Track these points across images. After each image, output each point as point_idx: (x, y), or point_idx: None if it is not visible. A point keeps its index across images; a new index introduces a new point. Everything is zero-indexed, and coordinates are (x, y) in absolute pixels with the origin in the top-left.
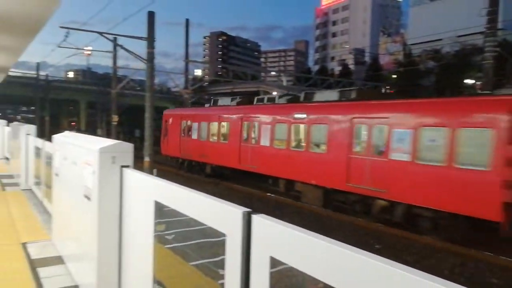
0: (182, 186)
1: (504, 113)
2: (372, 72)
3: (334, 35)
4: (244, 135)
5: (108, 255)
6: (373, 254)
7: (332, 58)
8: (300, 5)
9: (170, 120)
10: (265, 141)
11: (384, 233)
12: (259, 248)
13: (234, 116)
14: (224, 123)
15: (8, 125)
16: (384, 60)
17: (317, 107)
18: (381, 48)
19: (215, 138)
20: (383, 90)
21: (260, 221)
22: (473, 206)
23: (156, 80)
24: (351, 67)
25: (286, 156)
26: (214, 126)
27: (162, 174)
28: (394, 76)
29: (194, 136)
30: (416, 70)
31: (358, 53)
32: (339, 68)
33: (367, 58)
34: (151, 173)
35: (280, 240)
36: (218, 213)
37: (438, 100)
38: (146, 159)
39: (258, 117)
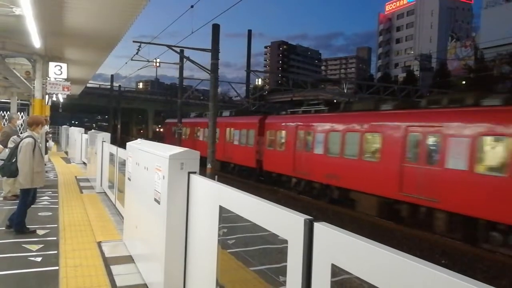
0: (246, 193)
1: None
2: (440, 79)
3: (398, 41)
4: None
5: (175, 257)
6: (441, 268)
7: (396, 65)
8: (362, 12)
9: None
10: None
11: (449, 246)
12: (320, 255)
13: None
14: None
15: (85, 133)
16: (452, 65)
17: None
18: (450, 53)
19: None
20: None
21: (322, 229)
22: None
23: (219, 90)
24: (417, 73)
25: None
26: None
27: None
28: (464, 82)
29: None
30: (489, 75)
31: (425, 58)
32: (403, 74)
33: (434, 64)
34: (213, 179)
35: (342, 248)
36: (280, 220)
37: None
38: (209, 166)
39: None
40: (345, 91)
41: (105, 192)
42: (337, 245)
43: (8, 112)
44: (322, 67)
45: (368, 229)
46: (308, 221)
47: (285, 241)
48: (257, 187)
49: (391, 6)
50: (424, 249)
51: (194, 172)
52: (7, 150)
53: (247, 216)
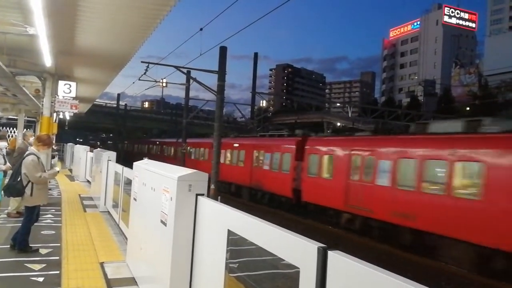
0: (256, 217)
1: None
2: (444, 104)
3: (402, 66)
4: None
5: (180, 281)
6: None
7: (400, 90)
8: (366, 37)
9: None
10: None
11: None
12: (334, 285)
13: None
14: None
15: (91, 151)
16: (457, 92)
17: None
18: (454, 80)
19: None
20: None
21: (337, 258)
22: None
23: (224, 110)
24: (420, 98)
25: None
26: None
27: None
28: (468, 108)
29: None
30: (494, 102)
31: (429, 84)
32: (407, 99)
33: (438, 90)
34: (216, 200)
35: (358, 278)
36: (292, 246)
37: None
38: (212, 187)
39: None
40: (349, 114)
41: (108, 212)
42: (353, 275)
43: (15, 129)
44: (326, 91)
45: (385, 259)
46: (321, 249)
47: (291, 266)
48: (290, 219)
49: (395, 32)
50: (442, 280)
51: (202, 194)
52: None
53: (257, 242)
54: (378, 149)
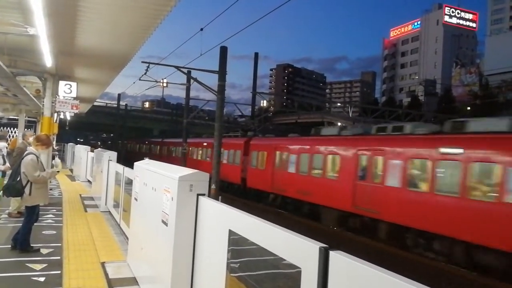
0: (257, 218)
1: None
2: (445, 104)
3: (402, 66)
4: None
5: (181, 280)
6: None
7: (401, 90)
8: (366, 37)
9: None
10: None
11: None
12: (336, 285)
13: None
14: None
15: (91, 151)
16: (457, 91)
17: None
18: (454, 79)
19: None
20: None
21: (338, 258)
22: None
23: (224, 110)
24: (421, 98)
25: None
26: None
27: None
28: (469, 108)
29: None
30: (495, 102)
31: (429, 84)
32: (408, 99)
33: (438, 90)
34: (216, 200)
35: (359, 278)
36: (293, 247)
37: None
38: (213, 186)
39: None
40: (350, 114)
41: (109, 211)
42: (354, 276)
43: (15, 129)
44: (327, 90)
45: (387, 259)
46: (323, 249)
47: (292, 266)
48: (289, 218)
49: (395, 32)
50: (443, 280)
51: (203, 194)
52: None
53: (258, 242)
54: (290, 147)
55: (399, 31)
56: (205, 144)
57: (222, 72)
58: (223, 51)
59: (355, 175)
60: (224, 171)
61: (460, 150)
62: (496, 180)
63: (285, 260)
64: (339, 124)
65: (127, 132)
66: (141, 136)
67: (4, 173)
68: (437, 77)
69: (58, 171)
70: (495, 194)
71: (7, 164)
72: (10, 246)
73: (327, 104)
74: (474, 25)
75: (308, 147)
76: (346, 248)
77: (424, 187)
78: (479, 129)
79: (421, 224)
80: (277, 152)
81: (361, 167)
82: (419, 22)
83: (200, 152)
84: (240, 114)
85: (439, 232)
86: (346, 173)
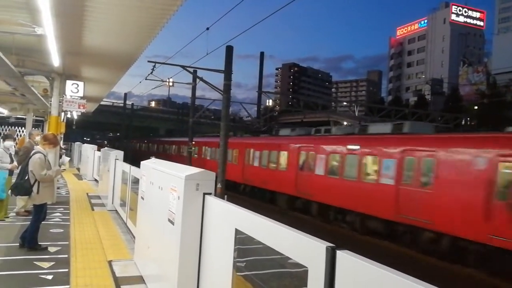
0: (264, 216)
1: None
2: (452, 103)
3: (409, 65)
4: None
5: (188, 279)
6: None
7: (407, 89)
8: (371, 36)
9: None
10: None
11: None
12: (343, 285)
13: None
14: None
15: (98, 150)
16: (464, 90)
17: None
18: (461, 78)
19: None
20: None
21: (345, 257)
22: None
23: (230, 110)
24: (428, 97)
25: None
26: None
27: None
28: (476, 107)
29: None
30: (502, 101)
31: (436, 83)
32: (415, 98)
33: (445, 89)
34: (222, 199)
35: (367, 278)
36: (300, 246)
37: None
38: (219, 185)
39: None
40: (356, 114)
41: (116, 210)
42: (362, 275)
43: (23, 128)
44: (333, 90)
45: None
46: (330, 249)
47: (298, 265)
48: (294, 217)
49: (402, 31)
50: (452, 281)
51: (210, 193)
52: None
53: (264, 241)
54: (255, 145)
55: (405, 29)
56: (206, 143)
57: (228, 72)
58: (229, 50)
59: (297, 167)
60: (207, 165)
61: (358, 147)
62: (375, 168)
63: (291, 259)
64: (345, 123)
65: (133, 132)
66: (147, 135)
67: (11, 172)
68: (444, 76)
69: (64, 169)
70: (375, 178)
71: (14, 163)
72: (18, 244)
73: (333, 103)
74: (481, 23)
75: (267, 145)
76: (355, 249)
77: (337, 174)
78: (373, 131)
79: (338, 202)
80: (246, 150)
81: (301, 160)
82: (426, 21)
83: (204, 151)
84: (246, 113)
85: (347, 207)
86: (292, 166)
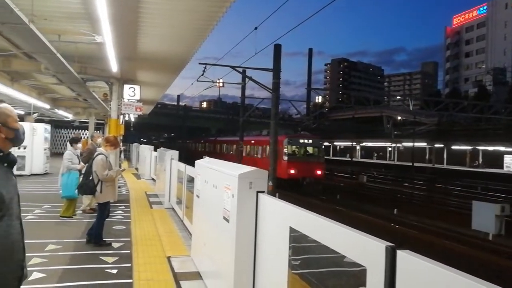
0: (319, 215)
1: None
2: None
3: (467, 55)
4: None
5: (244, 276)
6: None
7: (466, 80)
8: (423, 26)
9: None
10: None
11: None
12: (405, 286)
13: None
14: None
15: (155, 150)
16: None
17: None
18: None
19: None
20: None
21: (406, 257)
22: None
23: (279, 108)
24: (489, 88)
25: None
26: None
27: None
28: None
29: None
30: None
31: (498, 72)
32: (474, 90)
33: (509, 78)
34: (274, 196)
35: (429, 278)
36: (357, 245)
37: None
38: (270, 183)
39: None
40: (411, 108)
41: (173, 208)
42: (424, 276)
43: (86, 131)
44: (385, 84)
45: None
46: (390, 249)
47: (355, 264)
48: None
49: (459, 19)
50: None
51: (263, 191)
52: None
53: (320, 240)
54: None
55: (462, 17)
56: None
57: (276, 70)
58: (277, 49)
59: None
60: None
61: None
62: (264, 151)
63: (346, 257)
64: (399, 118)
65: (187, 132)
66: (199, 135)
67: (80, 172)
68: (508, 65)
69: (123, 170)
70: (264, 156)
71: (82, 163)
72: (85, 240)
73: (385, 97)
74: None
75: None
76: (411, 246)
77: (252, 155)
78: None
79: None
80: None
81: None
82: (485, 7)
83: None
84: (296, 111)
85: None
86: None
